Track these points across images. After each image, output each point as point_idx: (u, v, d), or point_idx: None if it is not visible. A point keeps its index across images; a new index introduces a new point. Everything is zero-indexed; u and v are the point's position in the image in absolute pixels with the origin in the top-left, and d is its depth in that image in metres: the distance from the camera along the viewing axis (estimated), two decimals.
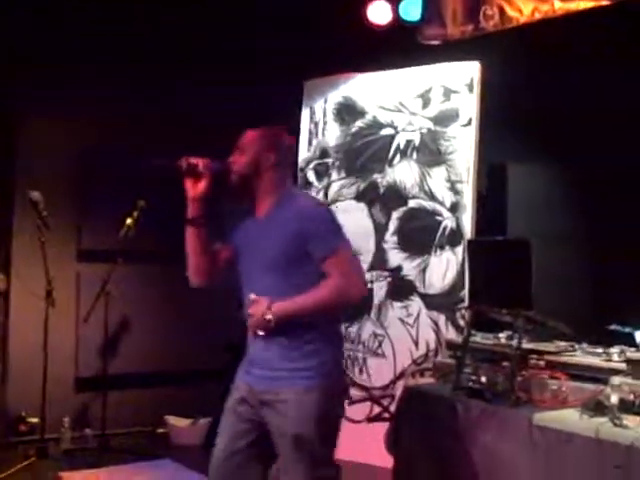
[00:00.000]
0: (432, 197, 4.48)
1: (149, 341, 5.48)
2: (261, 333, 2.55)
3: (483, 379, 2.99)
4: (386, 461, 3.75)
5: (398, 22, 4.89)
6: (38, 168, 5.16)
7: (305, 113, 5.00)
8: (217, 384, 5.38)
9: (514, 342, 3.04)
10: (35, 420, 4.99)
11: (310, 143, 4.96)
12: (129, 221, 4.77)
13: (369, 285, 4.63)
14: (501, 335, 3.43)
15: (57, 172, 5.24)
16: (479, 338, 3.46)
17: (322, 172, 4.91)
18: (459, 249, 4.34)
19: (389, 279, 4.60)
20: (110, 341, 5.23)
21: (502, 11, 4.10)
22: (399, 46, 4.80)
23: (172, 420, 5.35)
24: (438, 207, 4.45)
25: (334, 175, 4.85)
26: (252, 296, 2.56)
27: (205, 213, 2.65)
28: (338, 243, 2.59)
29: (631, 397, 2.58)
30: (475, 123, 4.39)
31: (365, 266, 4.65)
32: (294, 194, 2.75)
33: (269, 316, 2.51)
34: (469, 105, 4.41)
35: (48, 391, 4.78)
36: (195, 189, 2.62)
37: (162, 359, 5.48)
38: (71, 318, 5.22)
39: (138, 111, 5.31)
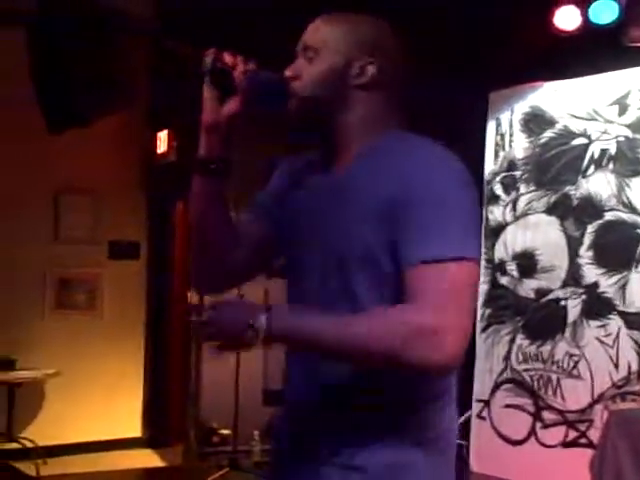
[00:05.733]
0: (632, 209, 4.22)
1: None
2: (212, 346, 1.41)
3: None
4: None
5: (587, 26, 4.67)
6: (227, 187, 5.35)
7: (491, 125, 4.87)
8: None
9: None
10: (227, 432, 5.18)
11: (497, 156, 4.82)
12: None
13: (562, 302, 4.43)
14: None
15: (245, 189, 5.40)
16: None
17: (510, 185, 4.76)
18: None
19: (584, 296, 4.37)
20: None
21: None
22: (590, 52, 4.58)
23: None
24: (638, 219, 4.19)
25: (522, 188, 4.69)
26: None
27: (228, 154, 1.54)
28: (463, 246, 1.36)
29: None
30: None
31: (558, 282, 4.46)
32: (397, 137, 1.50)
33: (254, 321, 1.34)
34: None
35: (239, 404, 4.94)
36: (218, 109, 1.49)
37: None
38: None
39: None
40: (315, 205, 1.53)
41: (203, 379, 5.35)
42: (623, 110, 4.32)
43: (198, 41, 5.20)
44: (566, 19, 4.77)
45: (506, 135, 4.81)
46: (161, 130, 5.80)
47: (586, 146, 4.45)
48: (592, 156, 4.42)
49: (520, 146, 4.75)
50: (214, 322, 1.39)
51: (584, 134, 4.47)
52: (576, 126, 4.51)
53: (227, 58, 1.49)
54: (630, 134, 4.28)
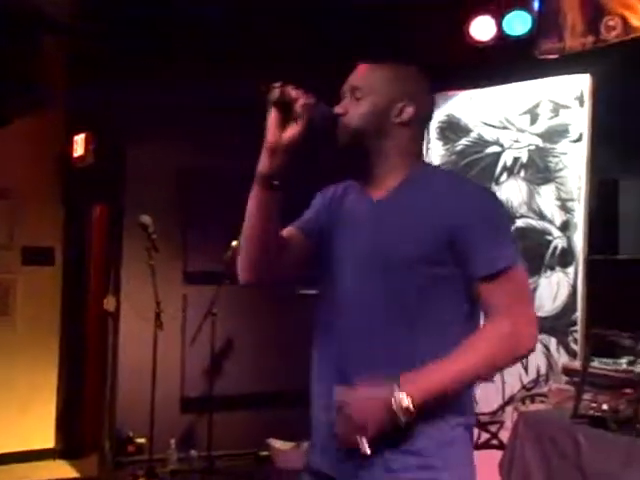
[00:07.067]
0: (541, 216, 4.33)
1: (254, 362, 5.51)
2: (366, 449, 1.59)
3: (604, 407, 2.85)
4: None
5: (502, 37, 4.78)
6: (145, 192, 5.28)
7: None
8: None
9: (638, 368, 2.89)
10: (142, 441, 5.08)
11: None
12: (235, 243, 4.83)
13: None
14: (622, 360, 3.26)
15: (163, 195, 5.35)
16: (597, 363, 3.31)
17: None
18: (570, 269, 4.17)
19: None
20: (216, 362, 5.27)
21: (625, 21, 3.94)
22: (503, 62, 4.69)
23: (275, 443, 5.34)
24: (548, 226, 4.30)
25: None
26: (339, 391, 1.63)
27: (286, 172, 1.77)
28: (510, 257, 1.71)
29: None
30: (586, 138, 4.23)
31: None
32: (433, 169, 1.95)
33: (406, 403, 1.57)
34: (579, 120, 4.25)
35: (155, 412, 4.84)
36: (281, 133, 1.72)
37: (267, 380, 5.49)
38: (177, 339, 5.30)
39: (243, 131, 5.34)
40: (361, 223, 1.80)
41: (119, 387, 5.24)
42: (534, 119, 4.44)
43: (114, 42, 5.11)
44: (481, 30, 4.87)
45: (423, 142, 4.88)
46: (78, 133, 5.68)
47: (499, 154, 4.55)
48: (505, 164, 4.52)
49: (437, 153, 4.82)
50: (352, 421, 1.60)
51: (497, 142, 4.57)
52: (490, 134, 4.61)
53: (291, 91, 1.73)
54: (540, 143, 4.39)
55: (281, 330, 5.49)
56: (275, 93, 1.73)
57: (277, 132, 1.73)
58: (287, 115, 1.73)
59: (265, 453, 5.38)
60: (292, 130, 1.72)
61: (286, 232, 1.89)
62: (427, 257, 1.70)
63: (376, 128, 1.79)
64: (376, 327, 1.71)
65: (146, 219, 4.82)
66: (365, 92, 1.80)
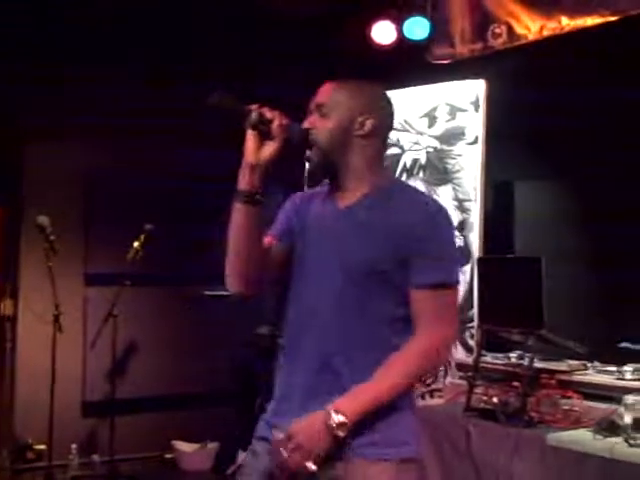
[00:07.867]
0: None
1: (157, 365, 5.45)
2: (313, 468, 1.76)
3: (495, 400, 2.97)
4: None
5: (402, 41, 4.89)
6: (44, 193, 5.16)
7: None
8: (226, 408, 5.38)
9: (525, 362, 3.01)
10: (42, 447, 4.95)
11: None
12: (136, 245, 4.79)
13: None
14: (512, 355, 3.40)
15: (63, 196, 5.24)
16: (489, 358, 3.44)
17: None
18: (467, 268, 4.29)
19: None
20: (118, 365, 5.19)
21: (510, 29, 4.10)
22: (404, 65, 4.80)
23: (180, 445, 5.30)
24: None
25: None
26: (278, 435, 1.82)
27: (264, 187, 1.89)
28: (449, 275, 1.91)
29: None
30: (481, 141, 4.37)
31: None
32: (397, 182, 2.22)
33: (341, 420, 1.76)
34: (475, 123, 4.39)
35: (55, 417, 4.73)
36: (259, 152, 1.85)
37: (170, 383, 5.45)
38: (78, 342, 5.20)
39: (145, 130, 5.28)
40: (327, 227, 1.95)
41: (17, 393, 5.10)
42: (432, 122, 4.56)
43: (9, 38, 4.93)
44: (382, 34, 4.97)
45: (385, 152, 4.92)
46: None
47: (399, 156, 4.65)
48: (404, 165, 4.62)
49: None
50: (298, 447, 1.76)
51: (397, 144, 4.67)
52: (390, 136, 4.69)
53: (267, 113, 1.86)
54: (438, 145, 4.51)
55: (184, 331, 5.46)
56: (254, 116, 1.85)
57: (255, 151, 1.85)
58: (264, 135, 1.85)
59: (170, 456, 5.34)
60: (269, 149, 1.85)
61: (265, 239, 2.00)
62: (381, 263, 1.86)
63: (341, 143, 1.94)
64: (341, 322, 1.88)
65: (43, 220, 4.70)
66: (330, 108, 1.95)
